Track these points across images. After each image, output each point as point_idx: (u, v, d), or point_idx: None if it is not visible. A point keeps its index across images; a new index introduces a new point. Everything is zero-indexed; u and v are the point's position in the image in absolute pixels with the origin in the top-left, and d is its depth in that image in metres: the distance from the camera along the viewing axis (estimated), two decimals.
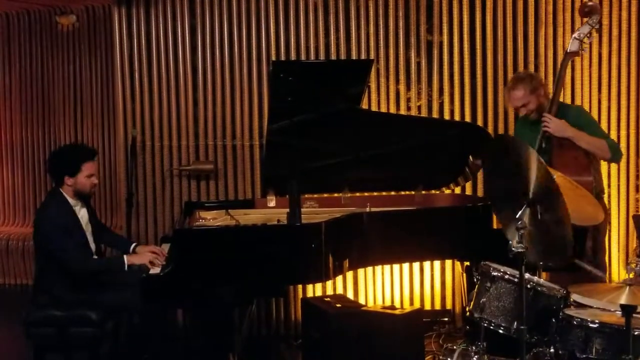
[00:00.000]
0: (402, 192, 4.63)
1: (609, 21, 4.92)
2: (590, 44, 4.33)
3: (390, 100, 4.99)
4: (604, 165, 4.89)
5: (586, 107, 4.88)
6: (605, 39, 4.93)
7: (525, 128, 4.34)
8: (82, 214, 4.11)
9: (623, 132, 4.96)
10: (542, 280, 3.28)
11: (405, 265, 5.02)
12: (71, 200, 4.03)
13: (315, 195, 4.55)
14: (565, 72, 4.18)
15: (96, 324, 3.90)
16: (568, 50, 4.15)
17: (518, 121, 4.63)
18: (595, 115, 4.83)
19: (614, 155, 4.16)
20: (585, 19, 4.16)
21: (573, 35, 4.15)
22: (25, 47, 6.63)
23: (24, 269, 6.34)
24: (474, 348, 3.39)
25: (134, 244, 4.35)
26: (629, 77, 4.95)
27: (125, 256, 4.01)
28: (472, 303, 3.36)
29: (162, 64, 4.99)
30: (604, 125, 4.85)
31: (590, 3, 4.25)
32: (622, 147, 4.92)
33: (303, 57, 4.91)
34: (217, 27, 4.96)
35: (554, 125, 4.05)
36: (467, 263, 4.27)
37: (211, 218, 4.30)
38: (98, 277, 3.99)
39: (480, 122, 4.94)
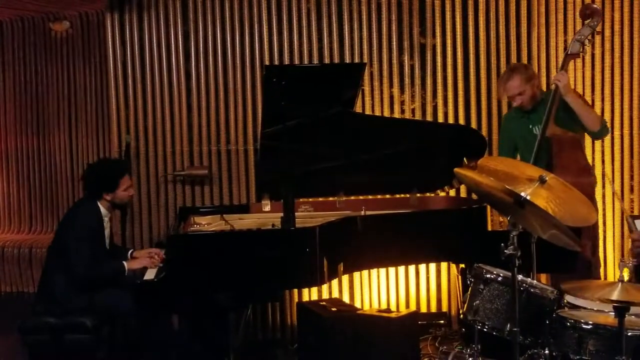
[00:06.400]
0: (397, 195, 4.63)
1: (602, 22, 4.92)
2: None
3: (384, 103, 4.99)
4: (598, 164, 4.92)
5: None
6: (598, 39, 4.93)
7: (514, 122, 4.39)
8: (107, 226, 4.24)
9: (617, 133, 4.96)
10: (535, 282, 3.28)
11: (401, 268, 5.01)
12: (104, 212, 4.18)
13: (310, 199, 4.56)
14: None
15: (91, 331, 3.90)
16: (569, 52, 4.16)
17: (505, 116, 4.65)
18: None
19: (602, 130, 4.19)
20: (586, 21, 4.17)
21: (574, 37, 4.16)
22: (18, 54, 6.61)
23: (20, 276, 6.32)
24: (468, 351, 3.40)
25: (130, 250, 4.37)
26: (622, 77, 4.96)
27: (125, 263, 4.07)
28: (465, 305, 3.36)
29: (156, 70, 4.98)
30: None
31: (591, 5, 4.27)
32: (616, 148, 4.95)
33: (296, 62, 4.91)
34: (210, 33, 4.96)
35: (564, 80, 4.05)
36: (462, 265, 4.28)
37: (206, 223, 4.30)
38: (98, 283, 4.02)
39: (474, 125, 4.94)
